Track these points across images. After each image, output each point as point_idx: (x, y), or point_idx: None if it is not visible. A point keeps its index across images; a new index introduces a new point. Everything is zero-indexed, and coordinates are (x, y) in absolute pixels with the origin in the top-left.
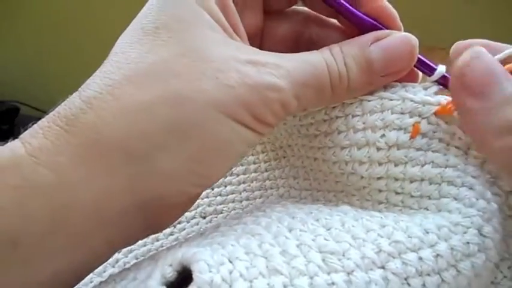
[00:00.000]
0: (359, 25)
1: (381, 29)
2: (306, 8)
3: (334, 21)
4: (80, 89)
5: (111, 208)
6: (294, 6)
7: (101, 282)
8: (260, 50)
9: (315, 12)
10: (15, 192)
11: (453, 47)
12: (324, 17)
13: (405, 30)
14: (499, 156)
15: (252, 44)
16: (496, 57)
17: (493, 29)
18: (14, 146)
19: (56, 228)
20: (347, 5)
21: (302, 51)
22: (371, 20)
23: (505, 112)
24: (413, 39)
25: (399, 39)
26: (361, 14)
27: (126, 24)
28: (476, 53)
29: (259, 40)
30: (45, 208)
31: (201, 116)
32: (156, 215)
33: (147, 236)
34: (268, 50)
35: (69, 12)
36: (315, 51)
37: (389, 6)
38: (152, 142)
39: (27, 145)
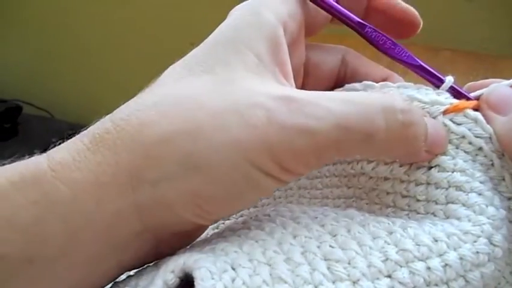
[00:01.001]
0: (347, 24)
1: (369, 27)
2: (343, 46)
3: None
4: (115, 110)
5: (122, 233)
6: (330, 45)
7: None
8: (300, 90)
9: (352, 50)
10: (34, 208)
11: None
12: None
13: None
14: None
15: (295, 83)
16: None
17: (496, 30)
18: (38, 160)
19: (69, 249)
20: (334, 3)
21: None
22: (358, 19)
23: None
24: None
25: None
26: (348, 13)
27: (127, 25)
28: (496, 85)
29: (301, 78)
30: (60, 228)
31: (215, 155)
32: (166, 242)
33: (157, 259)
34: (312, 89)
35: (71, 12)
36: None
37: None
38: (162, 170)
39: (50, 158)
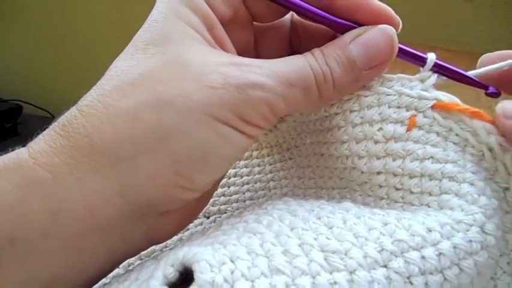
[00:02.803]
0: (330, 26)
1: (355, 27)
2: (291, 16)
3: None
4: (80, 100)
5: (105, 212)
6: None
7: (104, 284)
8: (244, 57)
9: (300, 19)
10: (17, 191)
11: (481, 58)
12: (310, 25)
13: (408, 31)
14: None
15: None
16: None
17: (496, 30)
18: (20, 151)
19: (51, 228)
20: (313, 8)
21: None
22: (337, 19)
23: None
24: (390, 29)
25: (376, 32)
26: (326, 14)
27: (126, 26)
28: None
29: (251, 55)
30: (41, 208)
31: (182, 119)
32: (155, 225)
33: (150, 246)
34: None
35: (71, 12)
36: (297, 55)
37: (382, 4)
38: (136, 144)
39: (30, 149)
